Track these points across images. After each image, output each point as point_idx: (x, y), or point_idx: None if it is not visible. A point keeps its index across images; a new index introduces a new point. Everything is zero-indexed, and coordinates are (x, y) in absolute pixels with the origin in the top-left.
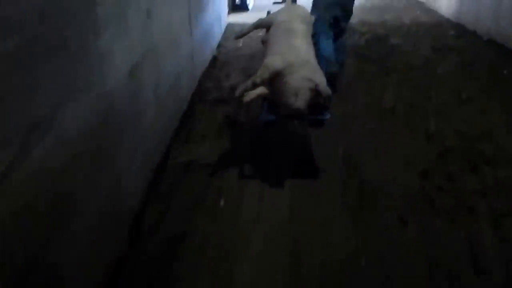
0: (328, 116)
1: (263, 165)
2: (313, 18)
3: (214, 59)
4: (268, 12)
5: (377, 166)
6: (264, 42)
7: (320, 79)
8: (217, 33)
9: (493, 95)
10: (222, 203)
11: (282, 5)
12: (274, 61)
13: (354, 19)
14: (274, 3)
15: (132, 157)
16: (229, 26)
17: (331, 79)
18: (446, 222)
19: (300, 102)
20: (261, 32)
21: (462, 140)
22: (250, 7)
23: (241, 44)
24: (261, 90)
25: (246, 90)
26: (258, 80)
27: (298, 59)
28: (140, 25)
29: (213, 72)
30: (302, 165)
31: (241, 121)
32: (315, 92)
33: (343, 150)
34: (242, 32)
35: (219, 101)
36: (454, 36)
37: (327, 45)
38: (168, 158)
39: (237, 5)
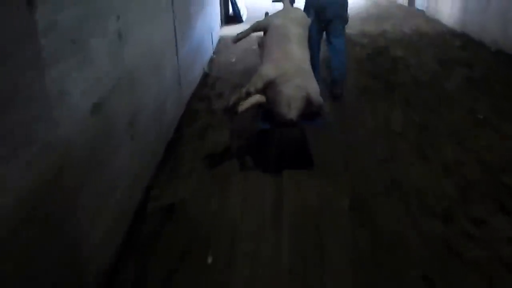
0: (322, 122)
1: (259, 217)
2: (309, 20)
3: (205, 76)
4: (266, 14)
5: (392, 209)
6: (260, 45)
7: (313, 87)
8: (209, 48)
9: (510, 114)
10: (210, 260)
11: (280, 5)
12: (268, 69)
13: (353, 30)
14: (274, 1)
15: (98, 212)
16: (222, 40)
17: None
18: (479, 279)
19: (293, 112)
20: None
21: (484, 171)
22: (244, 18)
23: (234, 60)
24: (256, 98)
25: (240, 100)
26: (252, 89)
27: (292, 66)
28: (107, 51)
29: (203, 91)
30: (303, 216)
31: (234, 148)
32: (308, 100)
33: (350, 189)
34: (239, 36)
35: (209, 126)
36: (459, 47)
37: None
38: (148, 201)
39: (230, 16)
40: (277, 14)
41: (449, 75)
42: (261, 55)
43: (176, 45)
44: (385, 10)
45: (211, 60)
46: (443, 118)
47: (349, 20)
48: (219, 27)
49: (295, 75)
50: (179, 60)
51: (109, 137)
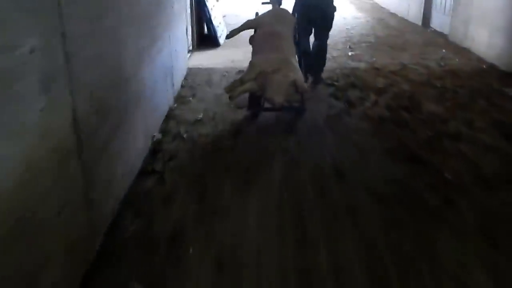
0: (304, 108)
1: None
2: (294, 20)
3: (154, 152)
4: (257, 14)
5: None
6: (252, 41)
7: (298, 75)
8: (164, 99)
9: None
10: None
11: (269, 6)
12: (259, 61)
13: (360, 62)
14: (263, 3)
15: None
16: (190, 74)
17: (309, 70)
18: None
19: (280, 96)
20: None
21: None
22: (222, 41)
23: (201, 116)
24: (248, 86)
25: (235, 87)
26: (246, 77)
27: (279, 58)
28: None
29: (144, 189)
30: None
31: None
32: (294, 87)
33: None
34: (233, 32)
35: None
36: None
37: (305, 42)
38: None
39: (206, 36)
40: (266, 13)
41: None
42: (253, 49)
43: (82, 149)
44: (397, 33)
45: (169, 118)
46: None
47: (355, 47)
48: (186, 57)
49: (282, 65)
50: (89, 159)
51: None
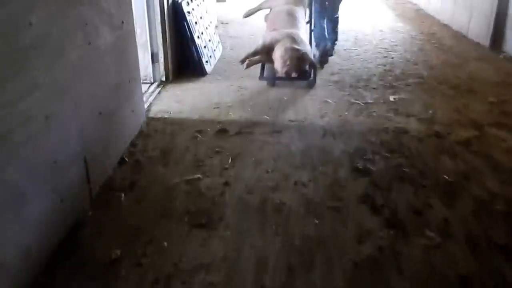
0: (312, 78)
1: None
2: (306, 1)
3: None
4: None
5: None
6: (266, 19)
7: (306, 49)
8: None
9: None
10: None
11: None
12: (271, 36)
13: (408, 120)
14: None
15: None
16: (143, 138)
17: (324, 53)
18: None
19: (289, 67)
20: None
21: None
22: (209, 68)
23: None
24: (260, 57)
25: (248, 58)
26: (258, 50)
27: (289, 34)
28: None
29: None
30: None
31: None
32: (301, 59)
33: None
34: (250, 11)
35: None
36: None
37: (320, 26)
38: None
39: (187, 61)
40: None
41: None
42: (266, 27)
43: None
44: (457, 60)
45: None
46: None
47: (399, 86)
48: (139, 106)
49: (291, 40)
50: None
51: None
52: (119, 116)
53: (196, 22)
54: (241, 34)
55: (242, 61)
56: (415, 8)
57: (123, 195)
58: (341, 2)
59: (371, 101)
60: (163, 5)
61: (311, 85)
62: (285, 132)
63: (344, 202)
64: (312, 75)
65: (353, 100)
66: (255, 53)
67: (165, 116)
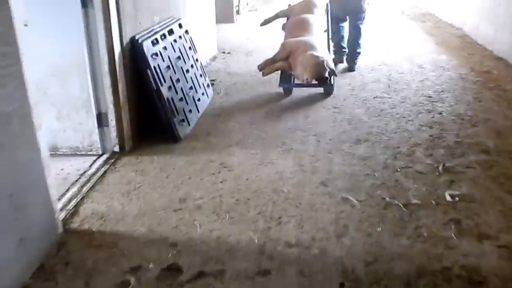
0: (331, 86)
1: None
2: (323, 7)
3: None
4: (289, 5)
5: None
6: (284, 28)
7: (326, 57)
8: None
9: None
10: None
11: None
12: (290, 43)
13: (483, 249)
14: None
15: None
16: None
17: (341, 56)
18: None
19: (309, 74)
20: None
21: None
22: (182, 132)
23: None
24: (279, 64)
25: (267, 65)
26: (277, 57)
27: (309, 41)
28: None
29: None
30: None
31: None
32: (321, 66)
33: None
34: (267, 20)
35: None
36: None
37: (337, 30)
38: None
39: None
40: (297, 4)
41: None
42: (285, 34)
43: None
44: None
45: None
46: None
47: (455, 167)
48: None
49: (311, 47)
50: None
51: None
52: None
53: (168, 67)
54: (244, 68)
55: (261, 68)
56: (458, 33)
57: None
58: (365, 12)
59: (416, 202)
60: (113, 48)
61: (330, 91)
62: (277, 274)
63: None
64: (331, 82)
65: (388, 199)
66: (274, 60)
67: (94, 228)
